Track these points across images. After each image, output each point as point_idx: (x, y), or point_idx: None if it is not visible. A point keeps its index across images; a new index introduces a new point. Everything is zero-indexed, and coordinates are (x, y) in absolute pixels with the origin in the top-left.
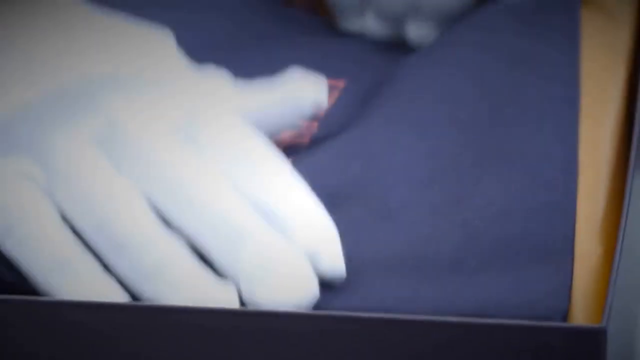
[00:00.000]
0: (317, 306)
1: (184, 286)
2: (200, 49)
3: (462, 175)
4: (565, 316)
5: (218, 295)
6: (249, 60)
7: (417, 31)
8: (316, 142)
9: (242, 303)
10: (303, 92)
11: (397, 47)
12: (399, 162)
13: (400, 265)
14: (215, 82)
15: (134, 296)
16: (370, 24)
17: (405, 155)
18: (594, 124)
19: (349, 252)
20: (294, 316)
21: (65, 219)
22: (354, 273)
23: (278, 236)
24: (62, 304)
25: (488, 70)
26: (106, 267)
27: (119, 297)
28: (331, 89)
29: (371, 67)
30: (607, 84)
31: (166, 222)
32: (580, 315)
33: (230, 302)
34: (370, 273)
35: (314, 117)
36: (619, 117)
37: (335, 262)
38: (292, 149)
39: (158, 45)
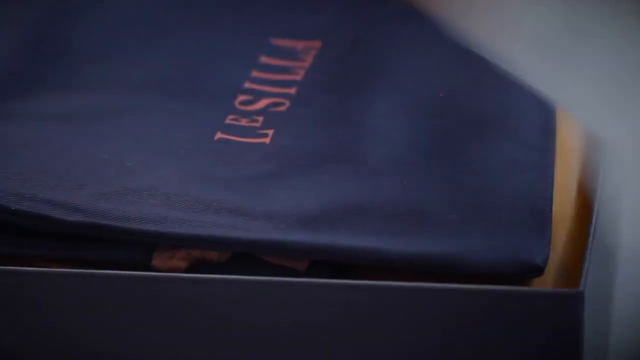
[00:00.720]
0: (302, 244)
1: None
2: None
3: (442, 137)
4: (543, 268)
5: None
6: (231, 21)
7: None
8: (296, 105)
9: None
10: None
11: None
12: (379, 126)
13: (383, 214)
14: None
15: None
16: None
17: (385, 120)
18: None
19: (334, 201)
20: (272, 283)
21: None
22: (338, 219)
23: None
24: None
25: (467, 35)
26: None
27: None
28: (308, 50)
29: (344, 26)
30: None
31: None
32: (555, 276)
33: None
34: (354, 217)
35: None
36: None
37: None
38: (272, 115)
39: None
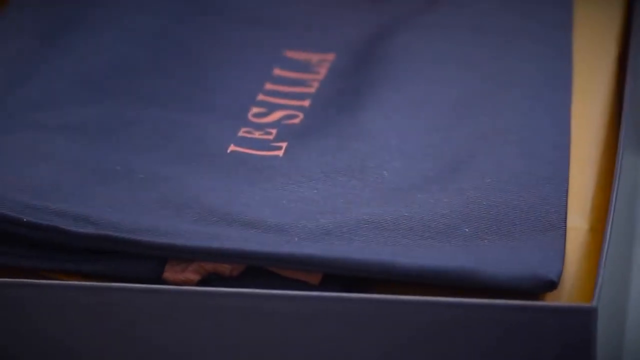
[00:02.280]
0: (315, 257)
1: None
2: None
3: (456, 151)
4: (557, 283)
5: None
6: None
7: None
8: (310, 117)
9: None
10: None
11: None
12: (392, 139)
13: (397, 227)
14: None
15: None
16: None
17: (399, 133)
18: (585, 102)
19: (347, 214)
20: (285, 297)
21: None
22: (351, 232)
23: None
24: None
25: (480, 48)
26: None
27: None
28: (322, 62)
29: (358, 39)
30: (598, 62)
31: None
32: (569, 291)
33: None
34: (367, 231)
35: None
36: (609, 95)
37: None
38: (286, 127)
39: None
